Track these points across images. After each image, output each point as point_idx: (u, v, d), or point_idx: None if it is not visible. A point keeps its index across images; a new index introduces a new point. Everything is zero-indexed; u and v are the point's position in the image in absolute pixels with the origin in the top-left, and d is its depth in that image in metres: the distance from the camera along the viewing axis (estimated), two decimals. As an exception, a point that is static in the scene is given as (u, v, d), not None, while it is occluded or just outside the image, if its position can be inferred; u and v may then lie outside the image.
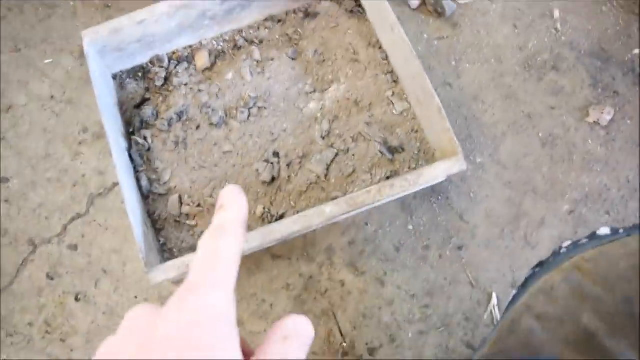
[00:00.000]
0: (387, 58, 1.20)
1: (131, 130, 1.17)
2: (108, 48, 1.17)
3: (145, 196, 1.12)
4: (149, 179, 1.13)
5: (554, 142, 1.20)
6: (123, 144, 1.12)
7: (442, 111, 1.03)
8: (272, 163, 1.13)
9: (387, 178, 1.10)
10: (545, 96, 1.25)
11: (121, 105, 1.20)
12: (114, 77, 1.23)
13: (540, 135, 1.21)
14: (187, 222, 1.09)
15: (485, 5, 1.34)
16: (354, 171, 1.12)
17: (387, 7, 1.12)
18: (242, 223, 0.42)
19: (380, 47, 1.22)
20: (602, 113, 1.22)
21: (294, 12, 1.28)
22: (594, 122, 1.22)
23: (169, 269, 0.94)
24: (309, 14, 1.28)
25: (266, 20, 1.27)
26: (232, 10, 1.21)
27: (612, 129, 1.22)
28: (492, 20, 1.32)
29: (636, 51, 1.29)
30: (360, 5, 1.25)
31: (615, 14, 1.34)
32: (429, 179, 1.01)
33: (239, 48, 1.25)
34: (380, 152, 1.12)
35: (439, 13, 1.31)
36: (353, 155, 1.13)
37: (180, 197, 1.11)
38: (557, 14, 1.33)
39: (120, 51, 1.19)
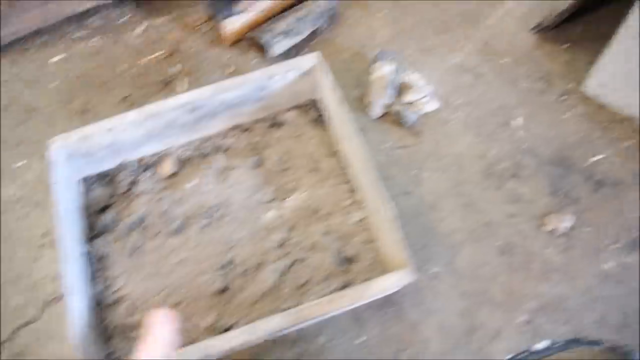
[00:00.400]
0: (346, 167, 1.23)
1: (92, 235, 1.19)
2: (77, 153, 1.21)
3: (98, 303, 1.11)
4: (103, 286, 1.13)
5: (512, 251, 1.20)
6: (79, 249, 1.13)
7: (394, 221, 1.04)
8: (225, 272, 1.13)
9: (342, 288, 1.09)
10: (504, 204, 1.26)
11: (87, 208, 1.22)
12: (84, 180, 1.26)
13: (498, 243, 1.21)
14: (133, 333, 1.08)
15: (447, 114, 1.38)
16: (308, 281, 1.12)
17: (347, 116, 1.16)
18: (164, 348, 0.44)
19: (341, 157, 1.24)
20: (562, 221, 1.22)
21: (261, 121, 1.32)
22: (553, 229, 1.22)
23: None
24: (275, 123, 1.32)
25: (233, 128, 1.32)
26: (201, 119, 1.26)
27: (571, 236, 1.22)
28: (453, 128, 1.36)
29: (596, 158, 1.31)
30: (324, 116, 1.30)
31: (575, 122, 1.37)
32: (379, 291, 1.01)
33: (205, 156, 1.28)
34: (335, 263, 1.13)
35: (401, 123, 1.34)
36: (308, 264, 1.13)
37: (130, 305, 1.11)
38: (518, 122, 1.37)
39: (89, 156, 1.23)
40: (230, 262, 1.15)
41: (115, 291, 1.13)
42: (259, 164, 1.26)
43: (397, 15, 1.57)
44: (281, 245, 1.16)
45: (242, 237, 1.17)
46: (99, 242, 1.18)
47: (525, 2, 1.57)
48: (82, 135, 1.19)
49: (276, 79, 1.24)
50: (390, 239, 1.06)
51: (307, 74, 1.25)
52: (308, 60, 1.24)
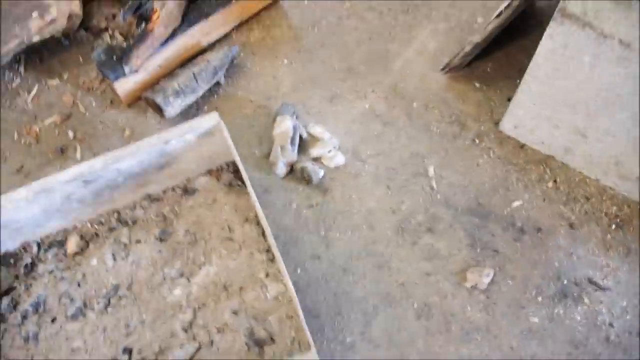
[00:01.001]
0: (263, 234, 1.14)
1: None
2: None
3: None
4: None
5: (429, 312, 1.13)
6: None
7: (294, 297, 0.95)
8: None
9: None
10: (419, 262, 1.19)
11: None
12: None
13: (415, 305, 1.14)
14: None
15: (357, 167, 1.31)
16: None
17: (248, 179, 1.09)
18: None
19: (258, 223, 1.16)
20: (481, 275, 1.15)
21: (172, 189, 1.24)
22: (473, 286, 1.15)
23: None
24: (187, 190, 1.24)
25: (143, 199, 1.22)
26: (101, 192, 1.17)
27: (492, 291, 1.15)
28: (364, 182, 1.29)
29: (516, 204, 1.26)
30: (239, 178, 1.21)
31: (492, 165, 1.32)
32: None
33: (112, 230, 1.19)
34: (247, 345, 1.03)
35: (307, 180, 1.26)
36: (217, 348, 1.04)
37: None
38: (431, 171, 1.31)
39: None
40: (127, 350, 1.04)
41: None
42: (166, 237, 1.18)
43: (301, 64, 1.51)
44: (187, 328, 1.06)
45: (144, 320, 1.09)
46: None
47: (433, 42, 1.53)
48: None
49: (173, 143, 1.15)
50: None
51: (209, 134, 1.16)
52: (206, 121, 1.16)
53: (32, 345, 1.07)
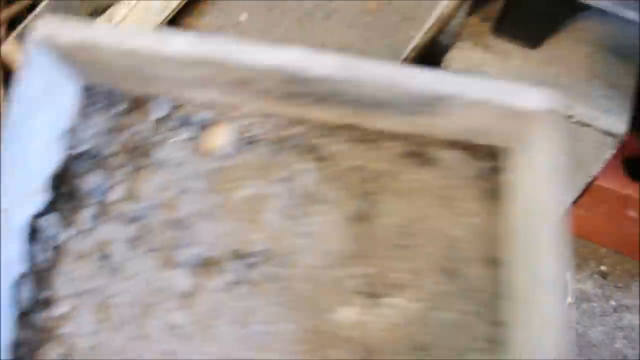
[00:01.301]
0: (509, 283, 0.70)
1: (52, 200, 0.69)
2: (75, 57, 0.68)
3: (21, 314, 0.64)
4: (36, 297, 0.65)
5: None
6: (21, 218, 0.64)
7: None
8: None
9: None
10: None
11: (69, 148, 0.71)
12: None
13: None
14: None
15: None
16: None
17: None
18: None
19: (505, 266, 0.71)
20: None
21: (397, 139, 0.76)
22: None
23: None
24: (416, 155, 0.75)
25: (347, 128, 0.75)
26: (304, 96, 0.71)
27: None
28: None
29: None
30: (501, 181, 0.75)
31: None
32: None
33: (285, 148, 0.74)
34: None
35: None
36: None
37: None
38: None
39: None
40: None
41: (51, 318, 0.65)
42: (361, 216, 0.72)
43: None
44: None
45: (288, 330, 0.67)
46: (58, 218, 0.68)
47: None
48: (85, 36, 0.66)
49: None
50: None
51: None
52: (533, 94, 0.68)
53: (107, 273, 0.68)
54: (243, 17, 1.17)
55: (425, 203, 0.72)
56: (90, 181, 0.70)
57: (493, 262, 0.70)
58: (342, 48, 1.13)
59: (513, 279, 0.68)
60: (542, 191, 0.65)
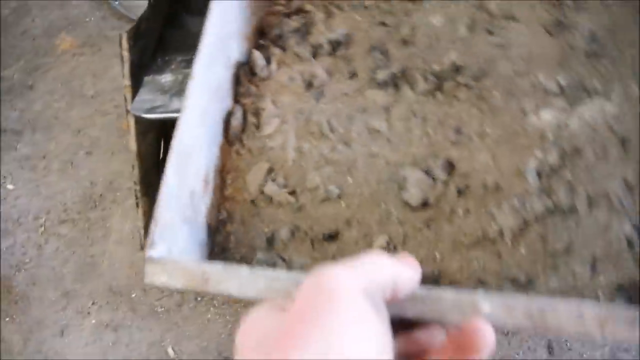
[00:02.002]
0: None
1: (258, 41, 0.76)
2: None
3: (230, 142, 0.70)
4: (245, 120, 0.72)
5: None
6: (233, 54, 0.71)
7: None
8: (433, 178, 0.66)
9: (620, 289, 0.59)
10: None
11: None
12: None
13: None
14: (268, 209, 0.66)
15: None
16: (568, 250, 0.61)
17: None
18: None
19: None
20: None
21: None
22: None
23: (177, 273, 0.51)
24: None
25: None
26: None
27: None
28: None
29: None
30: None
31: (221, 314, 1.34)
32: None
33: None
34: (628, 240, 0.61)
35: None
36: (578, 224, 0.62)
37: (271, 170, 0.68)
38: (171, 352, 1.32)
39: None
40: (448, 165, 0.67)
41: (260, 137, 0.71)
42: (557, 25, 0.73)
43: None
44: (544, 175, 0.65)
45: (483, 132, 0.68)
46: (262, 52, 0.75)
47: (127, 224, 1.52)
48: None
49: None
50: None
51: None
52: None
53: (313, 97, 0.71)
54: None
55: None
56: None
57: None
58: None
59: None
60: None
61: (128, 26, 0.91)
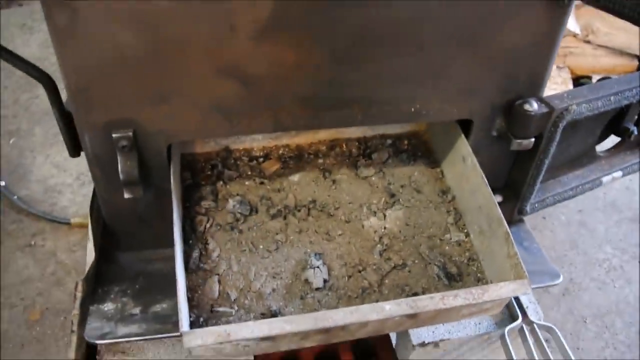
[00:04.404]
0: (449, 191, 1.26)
1: (187, 204, 1.15)
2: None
3: (190, 270, 1.05)
4: (199, 254, 1.09)
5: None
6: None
7: (510, 237, 1.05)
8: (317, 267, 1.09)
9: None
10: None
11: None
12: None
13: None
14: (221, 308, 1.03)
15: None
16: (410, 287, 1.08)
17: (463, 139, 1.18)
18: None
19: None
20: None
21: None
22: None
23: (207, 334, 0.85)
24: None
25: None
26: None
27: None
28: None
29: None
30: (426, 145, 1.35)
31: None
32: (494, 296, 0.98)
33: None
34: (437, 276, 1.10)
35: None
36: (409, 271, 1.10)
37: (219, 281, 1.05)
38: None
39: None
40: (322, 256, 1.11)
41: (208, 262, 1.08)
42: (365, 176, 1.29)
43: None
44: (382, 251, 1.13)
45: (343, 234, 1.15)
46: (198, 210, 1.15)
47: None
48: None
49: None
50: (502, 254, 1.06)
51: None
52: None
53: (236, 233, 1.12)
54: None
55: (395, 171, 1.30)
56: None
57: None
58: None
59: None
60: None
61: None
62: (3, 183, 2.23)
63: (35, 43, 3.12)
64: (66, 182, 2.27)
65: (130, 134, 0.97)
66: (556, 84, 2.43)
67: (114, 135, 0.97)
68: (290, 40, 0.93)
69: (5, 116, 2.60)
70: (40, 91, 2.72)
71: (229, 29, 0.89)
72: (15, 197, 2.17)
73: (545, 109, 1.09)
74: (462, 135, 1.17)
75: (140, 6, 0.85)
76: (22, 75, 2.87)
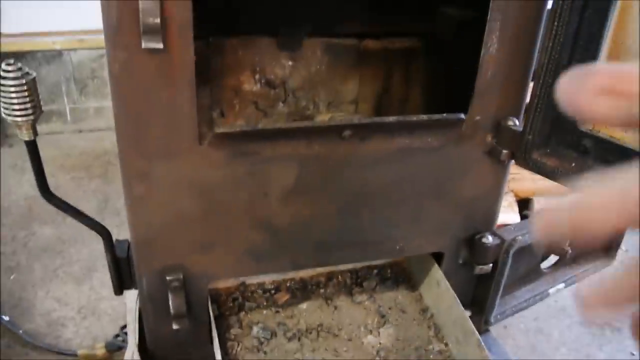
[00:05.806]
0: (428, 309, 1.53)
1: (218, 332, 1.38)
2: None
3: None
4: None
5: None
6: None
7: (482, 343, 1.32)
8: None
9: None
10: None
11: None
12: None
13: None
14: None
15: None
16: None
17: (436, 267, 1.49)
18: None
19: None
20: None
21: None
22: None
23: None
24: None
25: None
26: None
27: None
28: None
29: None
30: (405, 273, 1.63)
31: None
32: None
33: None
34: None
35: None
36: None
37: None
38: None
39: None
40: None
41: None
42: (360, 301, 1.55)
43: None
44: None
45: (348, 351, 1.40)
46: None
47: None
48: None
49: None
50: (477, 358, 1.32)
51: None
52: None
53: (262, 354, 1.36)
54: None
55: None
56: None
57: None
58: None
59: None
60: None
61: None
62: (7, 318, 2.36)
63: (28, 183, 3.35)
64: (68, 316, 2.43)
65: (181, 276, 1.22)
66: (503, 207, 2.81)
67: (167, 278, 1.22)
68: (308, 199, 1.23)
69: (4, 253, 2.77)
70: (36, 228, 2.94)
71: (263, 195, 1.19)
72: (21, 331, 2.28)
73: (498, 241, 1.41)
74: (436, 264, 1.47)
75: (198, 177, 1.14)
76: (18, 212, 3.10)
